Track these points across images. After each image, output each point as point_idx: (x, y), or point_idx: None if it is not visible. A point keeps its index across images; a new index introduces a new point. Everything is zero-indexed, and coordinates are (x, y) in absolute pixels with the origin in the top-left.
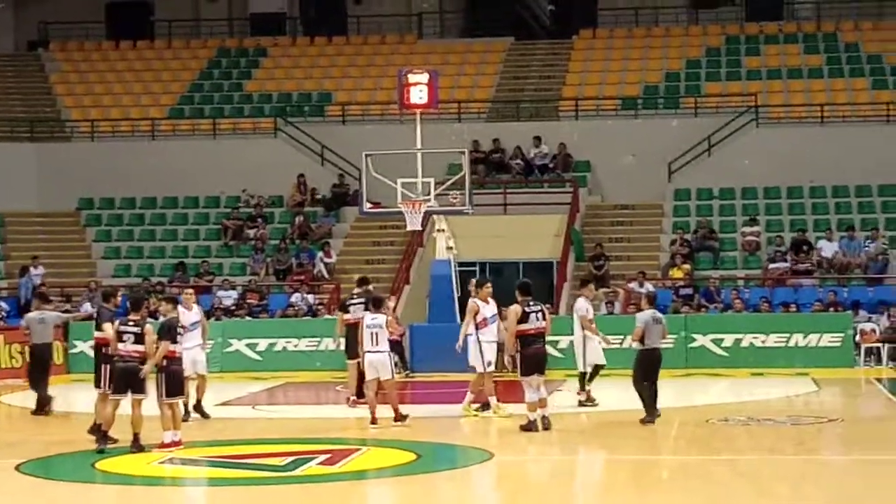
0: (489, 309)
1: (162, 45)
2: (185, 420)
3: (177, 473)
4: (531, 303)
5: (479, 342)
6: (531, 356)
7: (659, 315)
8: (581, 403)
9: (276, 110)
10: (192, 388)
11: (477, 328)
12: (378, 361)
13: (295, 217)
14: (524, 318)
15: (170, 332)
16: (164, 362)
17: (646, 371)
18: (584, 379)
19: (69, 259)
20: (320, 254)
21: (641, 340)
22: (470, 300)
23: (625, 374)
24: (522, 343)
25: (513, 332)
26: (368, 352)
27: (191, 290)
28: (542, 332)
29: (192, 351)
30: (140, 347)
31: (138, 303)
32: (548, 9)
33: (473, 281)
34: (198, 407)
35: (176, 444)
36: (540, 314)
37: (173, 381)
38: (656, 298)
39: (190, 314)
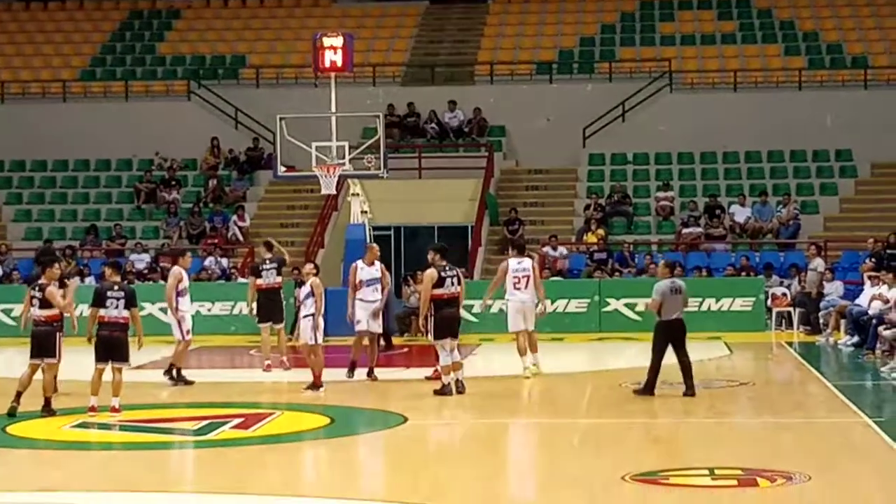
0: (368, 272)
1: (73, 6)
2: (187, 383)
3: (88, 438)
4: (447, 267)
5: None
6: (444, 320)
7: (679, 283)
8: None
9: (190, 73)
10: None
11: (355, 290)
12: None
13: (208, 181)
14: (440, 282)
15: (99, 297)
16: (96, 327)
17: (666, 343)
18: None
19: None
20: (234, 217)
21: (659, 311)
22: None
23: (538, 338)
24: (436, 307)
25: (427, 296)
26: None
27: (189, 253)
28: (456, 297)
29: (188, 313)
30: (46, 312)
31: (45, 266)
32: None
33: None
34: (170, 371)
35: (92, 409)
36: (455, 279)
37: (101, 346)
38: (675, 266)
39: (186, 277)
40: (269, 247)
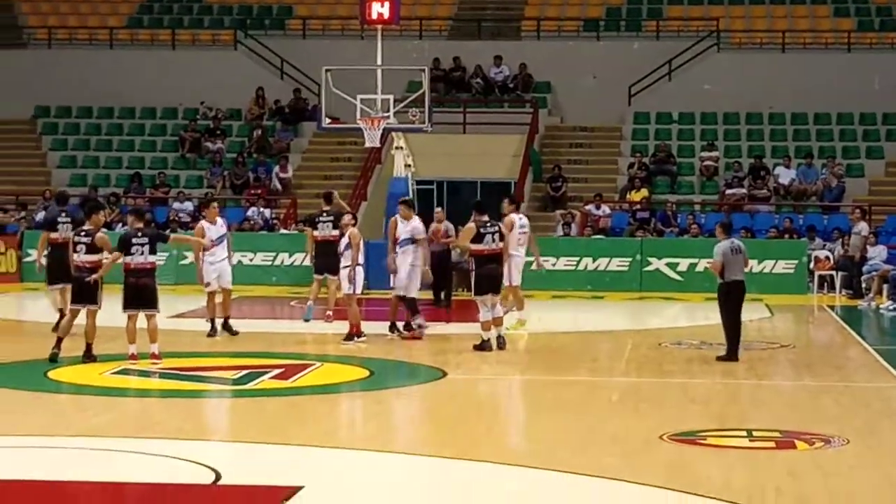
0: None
1: None
2: (210, 335)
3: (128, 384)
4: (488, 224)
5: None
6: (484, 276)
7: (738, 244)
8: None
9: (237, 23)
10: (217, 302)
11: (395, 244)
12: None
13: (253, 131)
14: (478, 237)
15: (124, 244)
16: (123, 275)
17: (729, 303)
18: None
19: (24, 167)
20: (276, 168)
21: (721, 273)
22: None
23: (579, 296)
24: (476, 263)
25: (460, 246)
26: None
27: (215, 203)
28: (497, 253)
29: (219, 265)
30: (92, 257)
31: (91, 212)
32: None
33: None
34: (225, 324)
35: (133, 357)
36: (497, 235)
37: (129, 294)
38: (731, 227)
39: (214, 228)
40: (328, 199)
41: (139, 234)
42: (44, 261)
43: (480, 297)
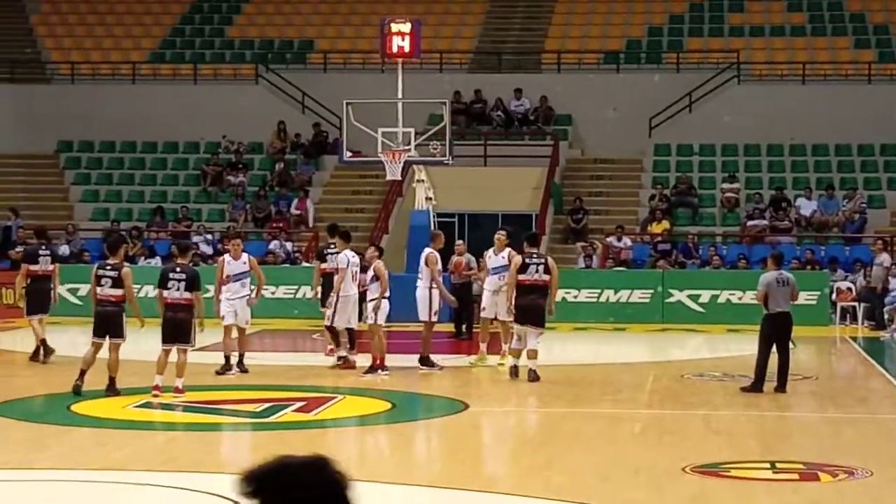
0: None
1: None
2: (220, 373)
3: (151, 418)
4: (534, 255)
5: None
6: (522, 306)
7: (786, 275)
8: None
9: (258, 57)
10: (233, 338)
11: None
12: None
13: (275, 164)
14: (523, 268)
15: (162, 279)
16: (162, 308)
17: (771, 337)
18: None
19: (47, 202)
20: (295, 201)
21: (766, 304)
22: (427, 249)
23: (601, 328)
24: (518, 292)
25: (511, 281)
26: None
27: (238, 240)
28: (539, 285)
29: (235, 302)
30: (117, 291)
31: (115, 246)
32: None
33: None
34: (239, 362)
35: (156, 388)
36: (542, 267)
37: (165, 327)
38: (782, 258)
39: (236, 264)
40: (332, 232)
41: (177, 269)
42: (22, 292)
43: (514, 324)
